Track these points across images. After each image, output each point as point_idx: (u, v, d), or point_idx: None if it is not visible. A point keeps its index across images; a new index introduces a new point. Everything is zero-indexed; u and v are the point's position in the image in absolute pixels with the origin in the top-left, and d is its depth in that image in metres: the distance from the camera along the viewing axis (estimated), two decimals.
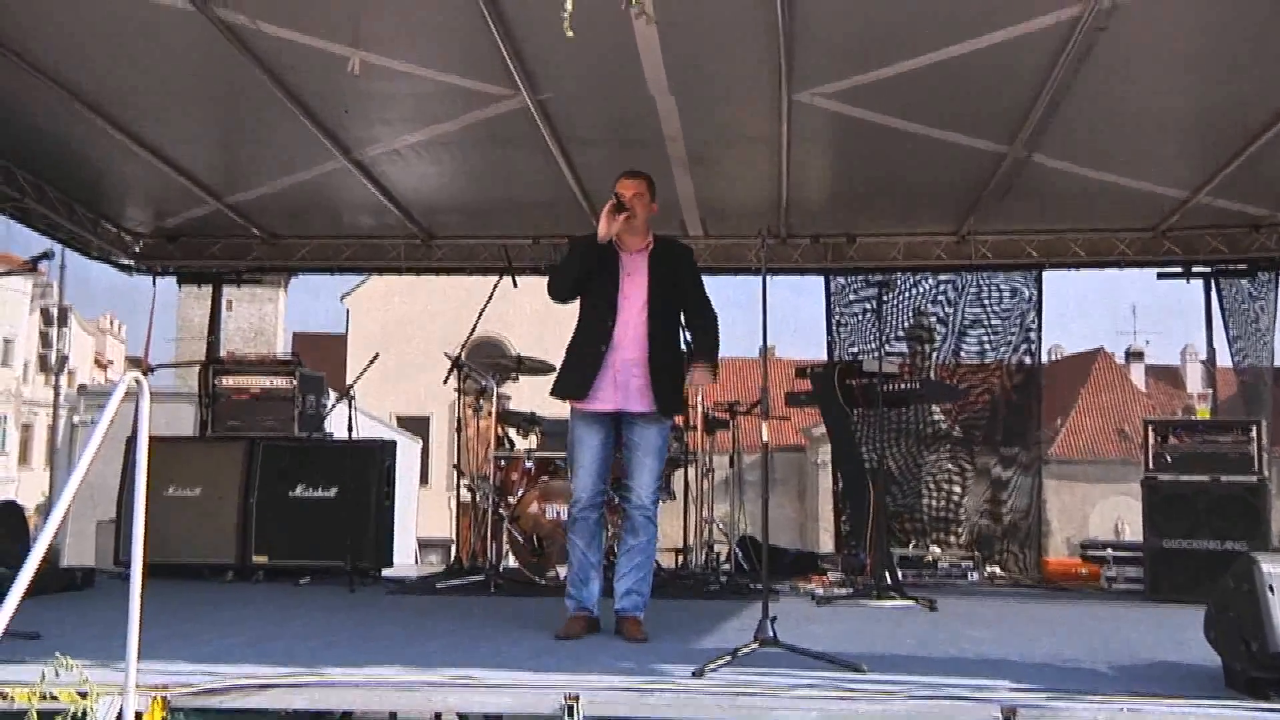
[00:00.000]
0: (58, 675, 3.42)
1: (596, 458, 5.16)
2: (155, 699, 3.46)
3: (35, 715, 3.32)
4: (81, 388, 14.33)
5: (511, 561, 7.38)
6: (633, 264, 5.18)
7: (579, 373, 5.15)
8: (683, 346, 5.38)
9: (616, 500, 6.57)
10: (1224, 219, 8.53)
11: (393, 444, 8.49)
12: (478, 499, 7.69)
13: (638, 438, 5.14)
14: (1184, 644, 4.78)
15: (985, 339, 9.74)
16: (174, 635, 4.82)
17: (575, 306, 5.29)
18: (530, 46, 6.04)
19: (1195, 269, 9.09)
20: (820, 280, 9.84)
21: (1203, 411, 10.48)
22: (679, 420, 7.58)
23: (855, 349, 9.62)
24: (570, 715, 3.45)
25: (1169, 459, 7.31)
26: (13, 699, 3.38)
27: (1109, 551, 8.08)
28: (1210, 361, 9.90)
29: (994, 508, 9.67)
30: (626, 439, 5.19)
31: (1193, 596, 5.89)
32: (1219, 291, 9.19)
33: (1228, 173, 7.43)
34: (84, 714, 3.30)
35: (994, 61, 6.01)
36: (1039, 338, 9.71)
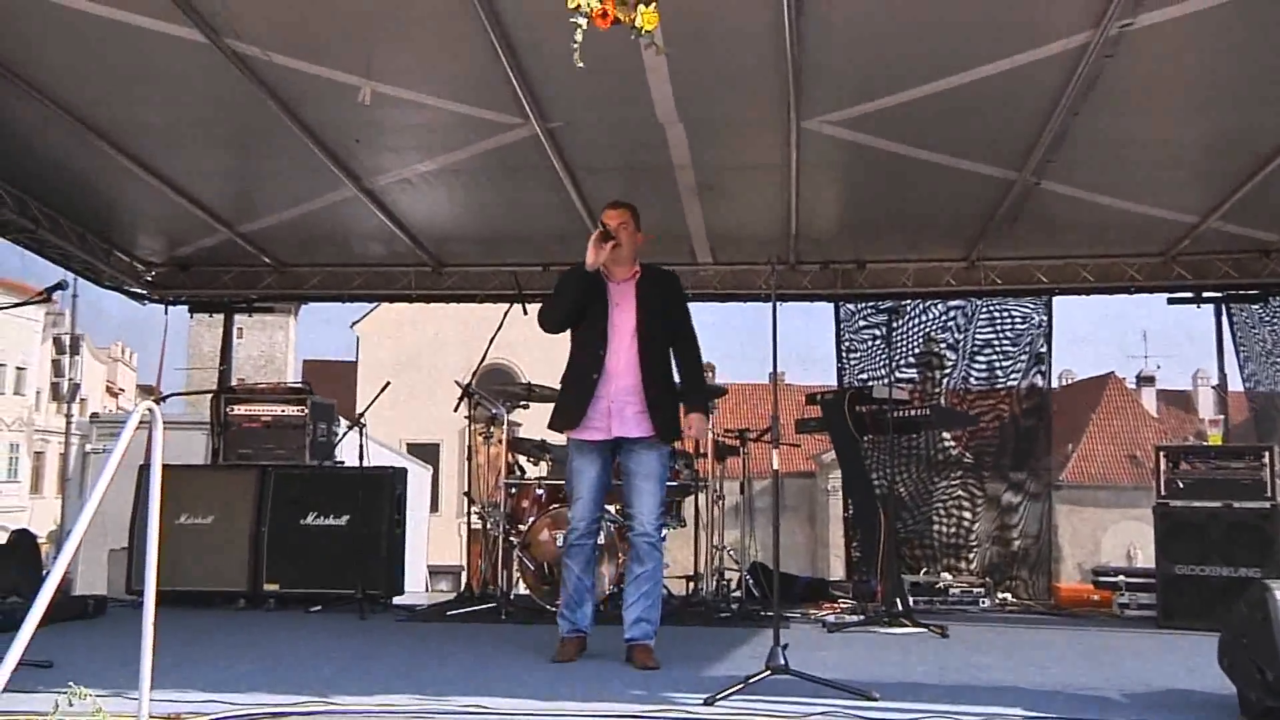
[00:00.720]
0: (71, 704, 3.43)
1: (594, 486, 5.25)
2: None
3: None
4: (93, 416, 14.37)
5: (522, 589, 7.37)
6: (620, 293, 5.27)
7: (572, 403, 5.25)
8: (674, 373, 5.40)
9: (623, 528, 6.61)
10: (1234, 244, 8.53)
11: (403, 471, 8.49)
12: (488, 526, 7.69)
13: (635, 464, 5.21)
14: (1197, 671, 4.76)
15: (996, 364, 9.74)
16: (187, 663, 4.82)
17: None
18: (540, 76, 6.08)
19: (1206, 294, 9.08)
20: (830, 307, 9.85)
21: (1215, 437, 10.44)
22: (690, 447, 7.60)
23: (865, 375, 9.62)
24: None
25: (1181, 485, 7.28)
26: None
27: (1121, 578, 8.03)
28: (1222, 386, 9.88)
29: (1005, 534, 9.64)
30: (624, 466, 5.26)
31: (1206, 623, 5.86)
32: (1230, 316, 9.18)
33: (1238, 198, 7.44)
34: None
35: (1003, 88, 6.03)
36: (1049, 363, 9.71)
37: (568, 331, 5.36)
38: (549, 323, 5.34)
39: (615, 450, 5.26)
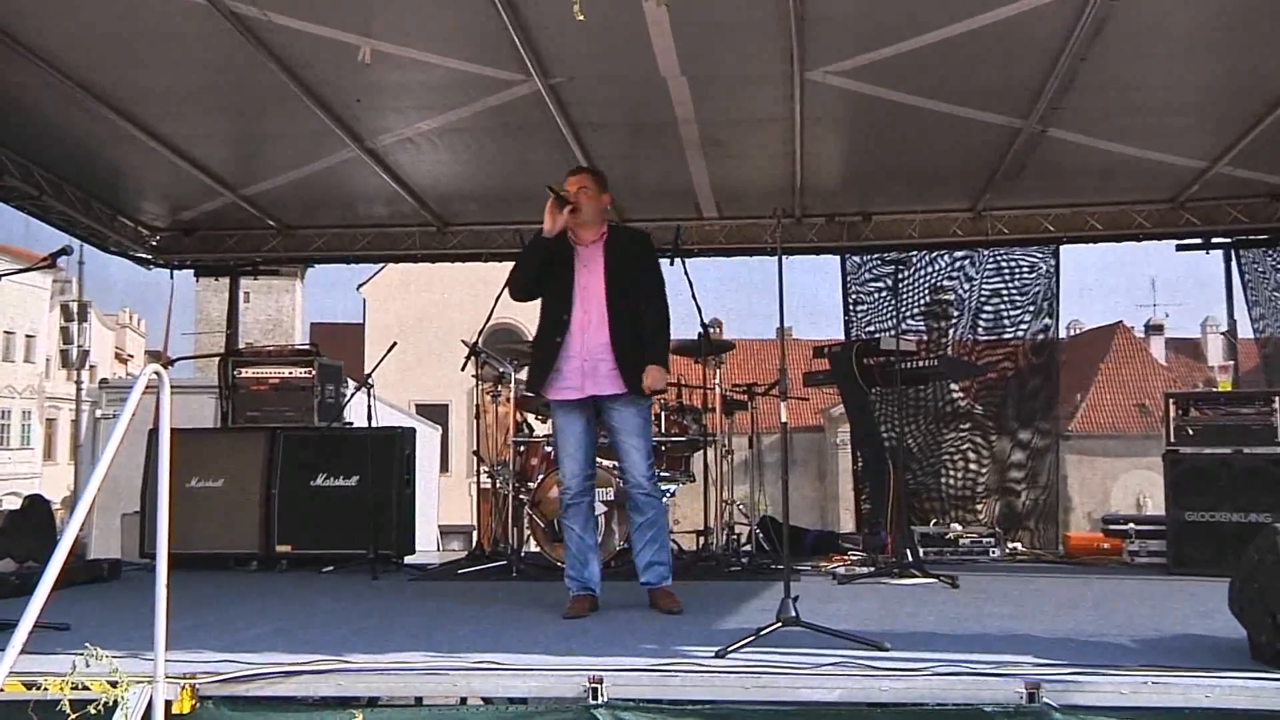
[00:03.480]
0: (88, 665, 3.46)
1: (579, 444, 5.36)
2: (184, 688, 3.51)
3: (68, 705, 3.36)
4: (103, 382, 14.39)
5: (533, 546, 7.41)
6: (588, 255, 5.38)
7: (543, 365, 5.37)
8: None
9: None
10: (1244, 189, 8.45)
11: (412, 432, 8.52)
12: (498, 485, 7.71)
13: (616, 421, 5.34)
14: (1208, 617, 4.77)
15: (1003, 315, 9.69)
16: (201, 625, 4.86)
17: None
18: (540, 31, 6.02)
19: (1215, 240, 9.01)
20: (836, 260, 9.81)
21: (1224, 384, 10.40)
22: (698, 402, 7.62)
23: (872, 328, 9.59)
24: (594, 697, 3.48)
25: (1191, 432, 7.26)
26: (45, 688, 3.43)
27: (1131, 526, 8.03)
28: (1231, 333, 9.82)
29: (1014, 484, 9.64)
30: (607, 424, 5.39)
31: (1216, 570, 5.87)
32: (1239, 262, 9.11)
33: (1247, 142, 7.37)
34: (115, 703, 3.35)
35: (1008, 35, 5.96)
36: (1057, 313, 9.66)
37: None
38: (516, 290, 5.49)
39: (595, 408, 5.36)
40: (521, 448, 7.48)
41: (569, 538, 5.39)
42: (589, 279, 5.32)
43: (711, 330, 7.73)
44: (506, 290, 5.54)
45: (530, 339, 7.88)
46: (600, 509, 6.52)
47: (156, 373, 3.51)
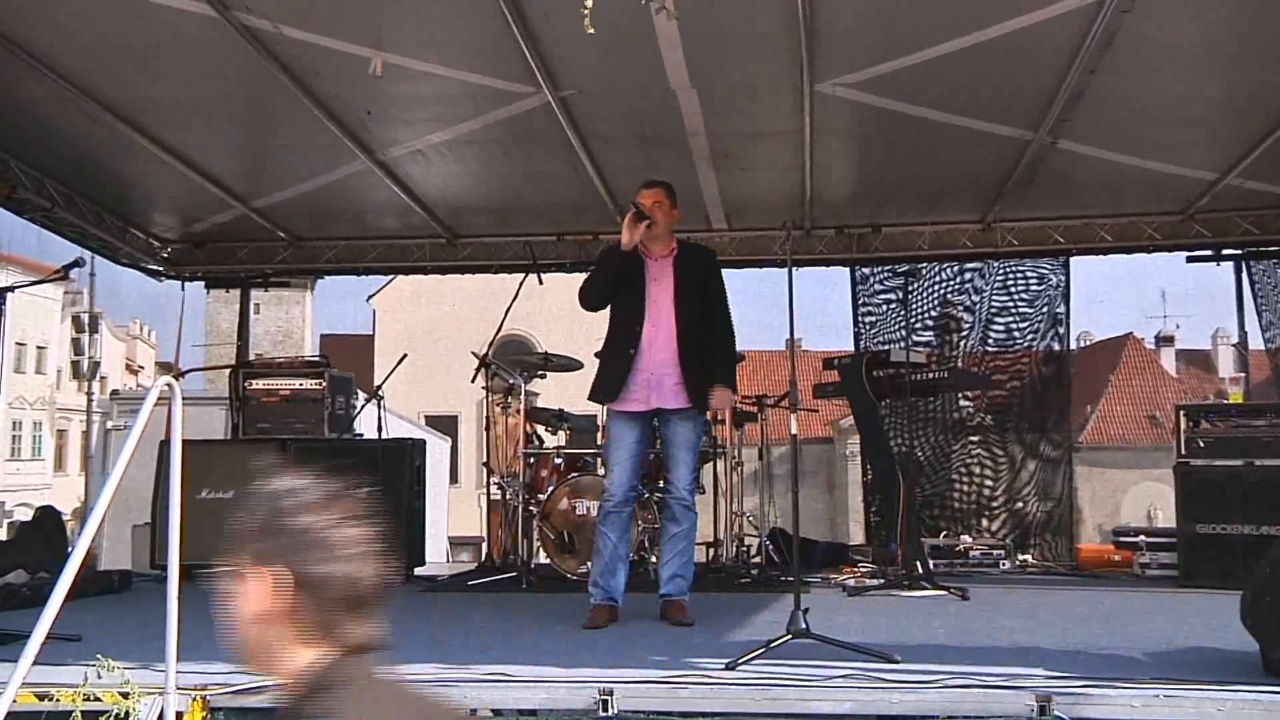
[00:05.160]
0: (100, 676, 3.47)
1: (632, 455, 5.40)
2: (195, 699, 3.51)
3: (80, 716, 3.37)
4: (114, 393, 14.46)
5: (542, 558, 7.41)
6: (659, 270, 5.42)
7: (611, 376, 5.40)
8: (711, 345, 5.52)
9: (646, 495, 6.66)
10: (1254, 201, 8.43)
11: (422, 443, 8.52)
12: (508, 496, 7.71)
13: (672, 434, 5.43)
14: (1219, 630, 4.74)
15: (1013, 326, 9.69)
16: (211, 636, 4.84)
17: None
18: (551, 43, 6.04)
19: (1225, 251, 9.00)
20: (846, 271, 9.81)
21: (1235, 395, 10.38)
22: (711, 410, 7.62)
23: (882, 340, 9.58)
24: (604, 709, 3.47)
25: (1202, 444, 7.24)
26: (57, 699, 3.43)
27: (1142, 538, 8.01)
28: (1242, 345, 9.81)
29: (1025, 496, 9.62)
30: (663, 435, 5.52)
31: (1228, 582, 5.84)
32: (1250, 274, 9.10)
33: (1257, 154, 7.35)
34: (126, 714, 3.35)
35: (1018, 48, 5.97)
36: (1068, 324, 9.65)
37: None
38: (588, 301, 5.50)
39: (652, 419, 5.46)
40: (531, 459, 7.48)
41: (603, 544, 5.40)
42: (659, 293, 5.38)
43: None
44: (579, 298, 5.53)
45: (540, 351, 7.91)
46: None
47: (168, 385, 3.53)
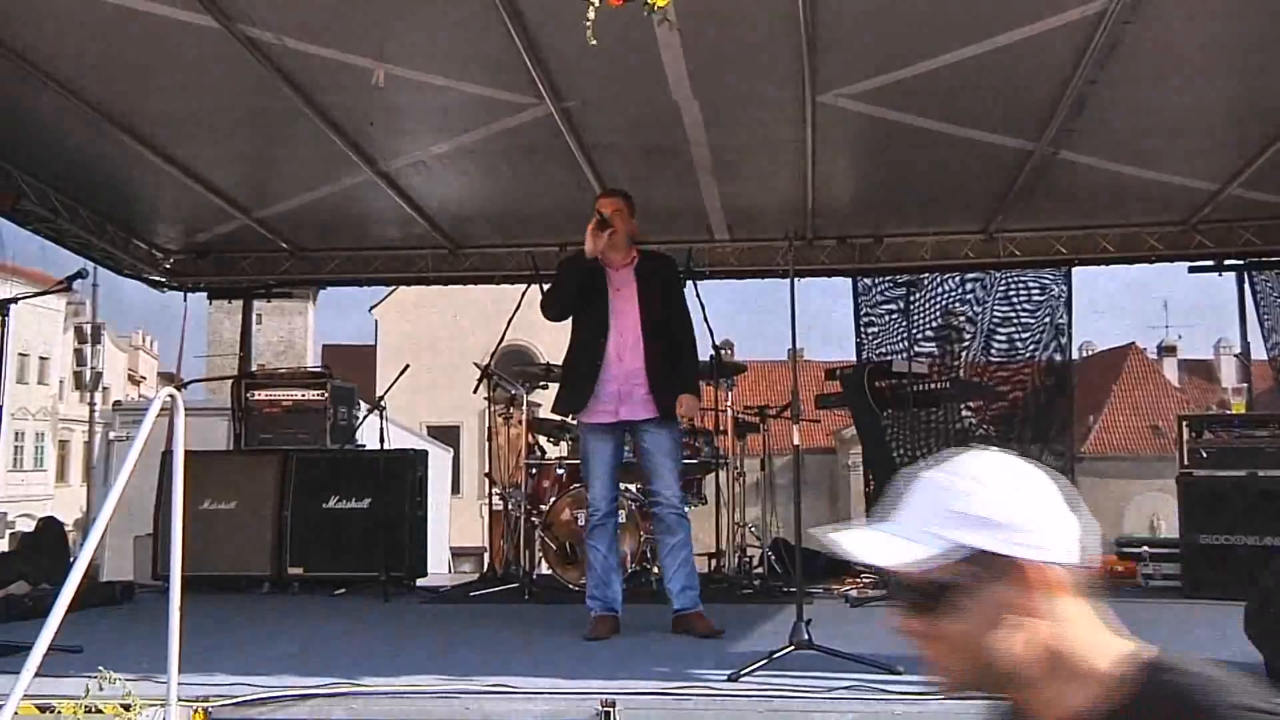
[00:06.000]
0: (101, 688, 3.46)
1: (608, 466, 5.41)
2: (197, 710, 3.50)
3: None
4: (116, 404, 14.45)
5: (544, 568, 7.40)
6: (620, 279, 5.43)
7: (576, 388, 5.41)
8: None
9: (645, 507, 6.65)
10: (1256, 211, 8.43)
11: (424, 454, 8.53)
12: (510, 507, 7.71)
13: (649, 443, 5.37)
14: (1223, 641, 4.72)
15: (1015, 337, 9.67)
16: (213, 648, 4.86)
17: None
18: (553, 54, 6.06)
19: (1227, 262, 8.99)
20: (848, 282, 9.81)
21: (1238, 406, 10.36)
22: (709, 424, 7.60)
23: (884, 350, 9.58)
24: None
25: (1205, 454, 7.23)
26: (59, 711, 3.43)
27: (1145, 549, 7.98)
28: (1245, 355, 9.79)
29: None
30: (639, 446, 5.43)
31: (1231, 593, 5.83)
32: (1252, 284, 9.09)
33: (1260, 164, 7.35)
34: None
35: (1019, 58, 5.98)
36: (1070, 334, 9.63)
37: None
38: (551, 312, 5.51)
39: (626, 430, 5.41)
40: (534, 470, 7.47)
41: (593, 557, 5.42)
42: (623, 304, 5.37)
43: (723, 352, 7.73)
44: (541, 310, 5.55)
45: (542, 362, 7.91)
46: None
47: (171, 395, 3.53)
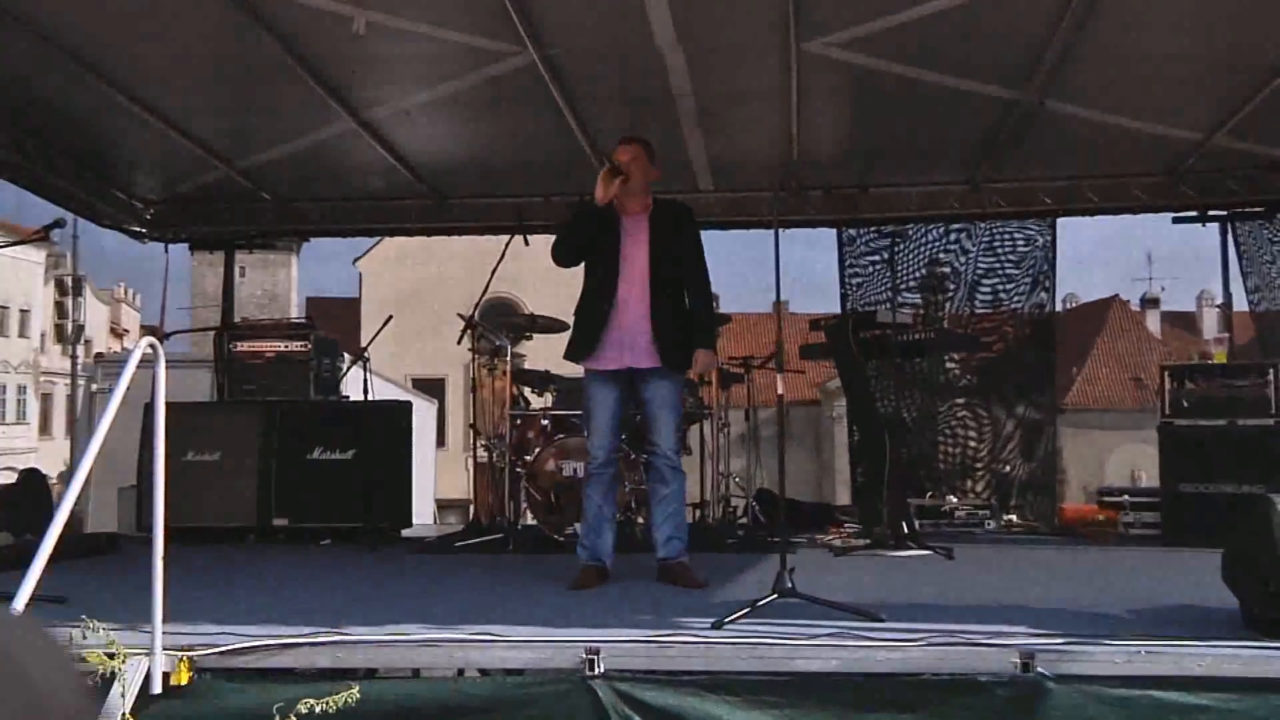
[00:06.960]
0: (85, 638, 3.47)
1: (611, 416, 5.37)
2: (182, 659, 3.51)
3: None
4: (98, 356, 14.39)
5: (529, 519, 7.43)
6: (633, 225, 5.35)
7: (585, 334, 5.35)
8: (686, 303, 5.47)
9: (633, 456, 6.67)
10: (1241, 161, 8.41)
11: (408, 405, 8.52)
12: (494, 458, 7.72)
13: (651, 394, 5.34)
14: (1202, 587, 4.78)
15: (999, 288, 9.69)
16: (198, 598, 4.87)
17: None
18: (535, 1, 5.99)
19: (1211, 212, 8.99)
20: (832, 233, 9.79)
21: (1220, 356, 10.37)
22: (693, 375, 7.62)
23: (868, 301, 9.59)
24: (591, 669, 3.48)
25: (1186, 403, 7.28)
26: None
27: (1125, 498, 8.06)
28: (1227, 306, 9.82)
29: (1010, 456, 9.67)
30: (641, 396, 5.39)
31: (1210, 540, 5.87)
32: (1235, 235, 9.09)
33: (1244, 114, 7.34)
34: (113, 675, 3.35)
35: (1005, 5, 5.94)
36: (1053, 286, 9.65)
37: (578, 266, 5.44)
38: (561, 256, 5.41)
39: (630, 380, 5.36)
40: (518, 421, 7.47)
41: (588, 506, 5.42)
42: (633, 250, 5.31)
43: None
44: (551, 254, 5.45)
45: (529, 313, 7.89)
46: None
47: (151, 345, 3.50)
